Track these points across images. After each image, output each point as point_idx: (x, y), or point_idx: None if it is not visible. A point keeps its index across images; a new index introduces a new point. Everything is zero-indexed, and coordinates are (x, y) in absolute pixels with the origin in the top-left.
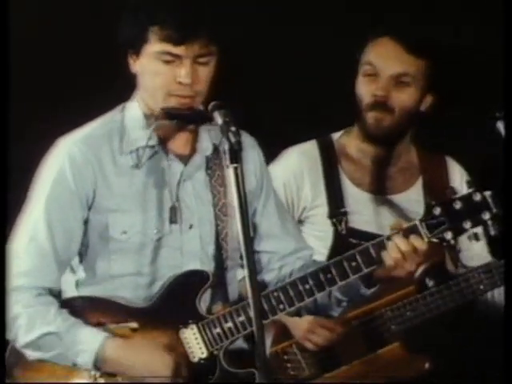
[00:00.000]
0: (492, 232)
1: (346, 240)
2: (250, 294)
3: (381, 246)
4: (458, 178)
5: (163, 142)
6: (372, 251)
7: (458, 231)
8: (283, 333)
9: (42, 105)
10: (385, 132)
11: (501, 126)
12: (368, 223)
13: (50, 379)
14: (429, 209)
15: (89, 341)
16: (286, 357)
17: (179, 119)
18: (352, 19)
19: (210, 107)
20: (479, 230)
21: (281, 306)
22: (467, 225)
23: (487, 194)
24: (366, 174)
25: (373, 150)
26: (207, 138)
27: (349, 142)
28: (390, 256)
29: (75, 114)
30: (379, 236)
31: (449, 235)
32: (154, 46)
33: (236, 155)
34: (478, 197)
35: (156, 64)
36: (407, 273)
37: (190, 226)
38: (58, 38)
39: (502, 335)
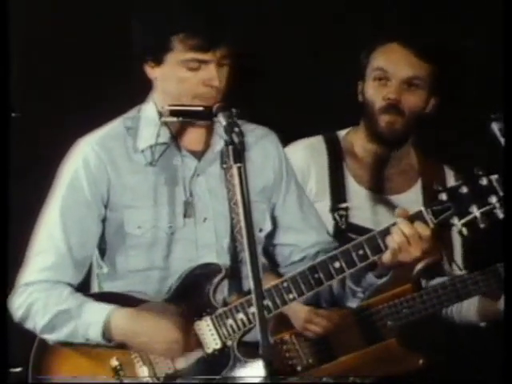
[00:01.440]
0: (500, 215)
1: (345, 234)
2: (252, 287)
3: (387, 234)
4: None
5: (176, 138)
6: (378, 239)
7: (464, 216)
8: (281, 323)
9: (60, 108)
10: (396, 134)
11: (495, 127)
12: (367, 220)
13: (75, 368)
14: (434, 195)
15: (96, 313)
16: (284, 347)
17: (184, 116)
18: (358, 22)
19: (214, 109)
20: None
21: (290, 296)
22: (473, 209)
23: (493, 177)
24: (369, 172)
25: (377, 151)
26: (220, 134)
27: (355, 140)
28: (394, 240)
29: (92, 116)
30: None
31: (455, 220)
32: (181, 55)
33: (239, 155)
34: (484, 181)
35: (181, 71)
36: (412, 258)
37: (204, 220)
38: (70, 38)
39: (499, 333)
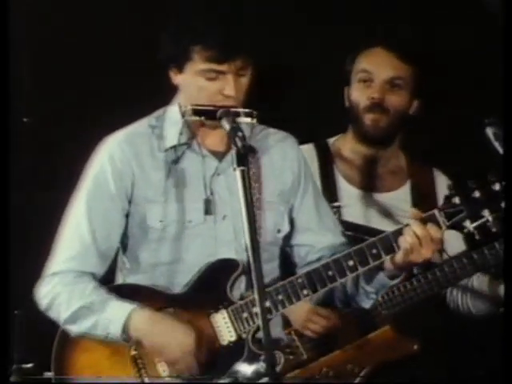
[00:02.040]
0: None
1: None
2: (255, 286)
3: (400, 234)
4: (444, 187)
5: (199, 139)
6: (392, 239)
7: (477, 219)
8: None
9: (93, 109)
10: (381, 132)
11: (490, 132)
12: (359, 217)
13: (95, 359)
14: (448, 198)
15: (117, 312)
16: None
17: (206, 116)
18: (346, 31)
19: (218, 114)
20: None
21: (304, 292)
22: (486, 213)
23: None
24: (359, 172)
25: (365, 151)
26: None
27: (343, 145)
28: (407, 241)
29: (119, 117)
30: (370, 228)
31: (467, 223)
32: (199, 65)
33: (243, 159)
34: (497, 186)
35: (200, 80)
36: (423, 259)
37: (224, 217)
38: (93, 42)
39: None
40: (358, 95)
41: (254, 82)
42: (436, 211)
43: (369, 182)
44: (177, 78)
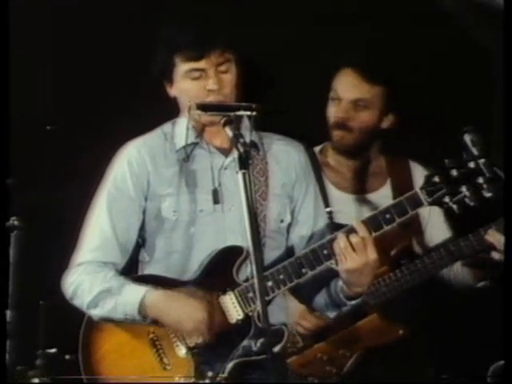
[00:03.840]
0: (487, 194)
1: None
2: (255, 274)
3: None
4: (420, 176)
5: (206, 139)
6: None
7: (455, 195)
8: None
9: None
10: (347, 147)
11: (467, 138)
12: (351, 219)
13: (118, 342)
14: (428, 178)
15: (134, 293)
16: None
17: (210, 110)
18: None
19: (221, 122)
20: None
21: (303, 270)
22: (463, 189)
23: (481, 161)
24: (344, 178)
25: (346, 160)
26: (244, 133)
27: (327, 153)
28: (339, 246)
29: (136, 126)
30: None
31: (447, 199)
32: (182, 68)
33: (244, 162)
34: (472, 164)
35: (187, 82)
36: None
37: (231, 208)
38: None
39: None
40: (329, 111)
41: (239, 79)
42: (418, 190)
43: (354, 186)
44: (171, 91)
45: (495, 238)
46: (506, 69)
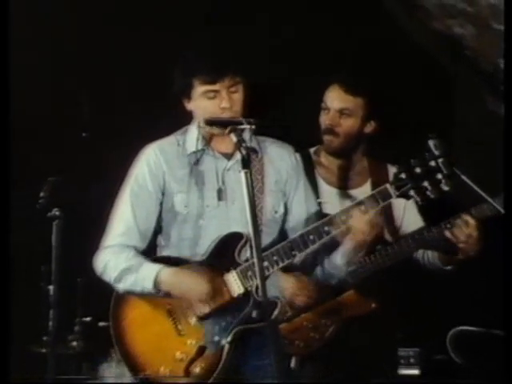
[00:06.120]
0: (445, 188)
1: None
2: (255, 255)
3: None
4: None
5: (212, 146)
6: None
7: (419, 188)
8: None
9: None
10: (334, 149)
11: (431, 143)
12: (333, 209)
13: (140, 312)
14: (396, 175)
15: (149, 270)
16: None
17: (215, 125)
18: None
19: (227, 130)
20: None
21: (293, 252)
22: (426, 183)
23: (439, 160)
24: (333, 175)
25: (335, 160)
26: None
27: (320, 154)
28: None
29: (154, 133)
30: None
31: (412, 192)
32: (199, 89)
33: (246, 163)
34: (432, 163)
35: (203, 101)
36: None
37: (233, 201)
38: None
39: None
40: (320, 120)
41: (247, 97)
42: (388, 185)
43: (341, 182)
44: (189, 105)
45: (458, 231)
46: (506, 69)
